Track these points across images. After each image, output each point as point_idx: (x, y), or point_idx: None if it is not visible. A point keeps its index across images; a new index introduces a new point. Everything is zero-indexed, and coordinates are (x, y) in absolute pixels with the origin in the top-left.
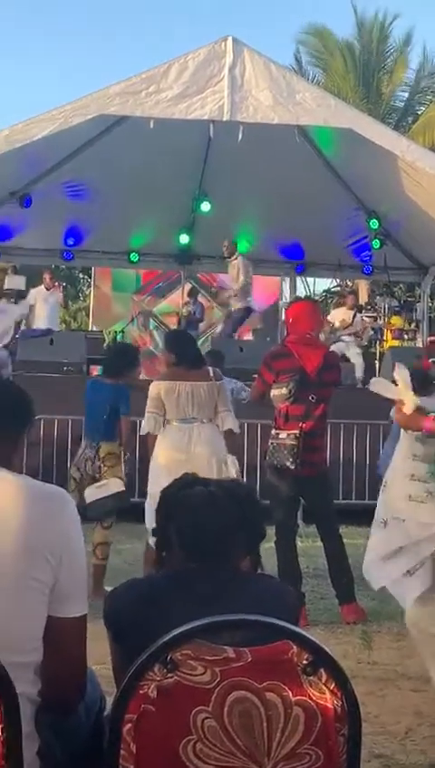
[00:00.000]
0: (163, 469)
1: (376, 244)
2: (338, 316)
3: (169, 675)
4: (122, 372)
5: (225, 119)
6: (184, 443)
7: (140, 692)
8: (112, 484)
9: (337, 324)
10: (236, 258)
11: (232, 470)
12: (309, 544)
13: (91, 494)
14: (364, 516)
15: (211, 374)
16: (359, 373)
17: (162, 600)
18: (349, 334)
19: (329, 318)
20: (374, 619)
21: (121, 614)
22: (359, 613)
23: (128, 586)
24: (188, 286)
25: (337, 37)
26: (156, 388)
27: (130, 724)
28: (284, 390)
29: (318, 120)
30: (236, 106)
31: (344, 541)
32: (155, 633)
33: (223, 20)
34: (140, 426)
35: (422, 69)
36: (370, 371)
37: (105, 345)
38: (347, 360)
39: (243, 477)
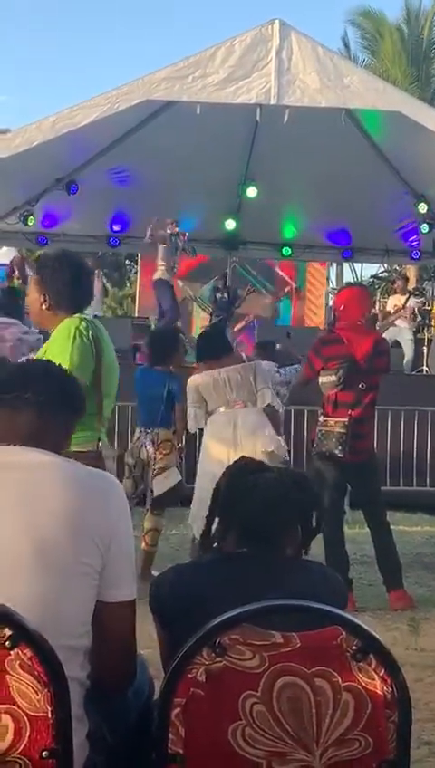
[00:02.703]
0: (211, 457)
1: (425, 228)
2: (392, 303)
3: (218, 659)
4: (167, 358)
5: (272, 102)
6: (230, 429)
7: (189, 676)
8: (174, 475)
9: (391, 309)
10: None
11: (281, 451)
12: (356, 531)
13: (160, 485)
14: (411, 502)
15: (243, 357)
16: (408, 359)
17: (208, 584)
18: (400, 318)
19: (387, 306)
20: (422, 606)
21: (168, 599)
22: (407, 600)
23: (174, 571)
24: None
25: (388, 20)
26: (193, 383)
27: (178, 708)
28: (333, 377)
29: (366, 103)
30: (283, 89)
31: (392, 527)
32: (201, 618)
33: (270, 3)
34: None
35: None
36: (419, 357)
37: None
38: (399, 345)
39: (290, 462)
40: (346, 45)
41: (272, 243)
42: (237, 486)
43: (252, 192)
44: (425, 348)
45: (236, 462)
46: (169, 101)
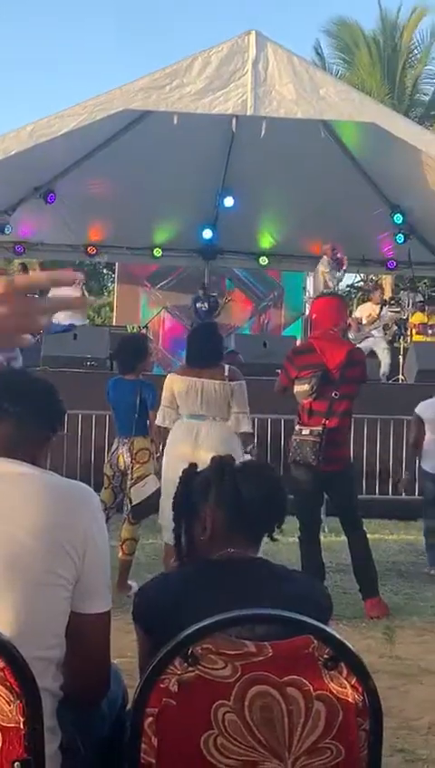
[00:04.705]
0: (170, 463)
1: (400, 238)
2: (365, 312)
3: (190, 669)
4: (136, 366)
5: (248, 113)
6: (191, 439)
7: (161, 686)
8: (151, 482)
9: (365, 320)
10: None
11: None
12: (332, 539)
13: (138, 494)
14: (388, 511)
15: (226, 373)
16: (384, 369)
17: (193, 594)
18: (377, 328)
19: (356, 314)
20: (397, 614)
21: (153, 610)
22: (382, 608)
23: (158, 580)
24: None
25: (363, 30)
26: (169, 382)
27: (151, 718)
28: (306, 386)
29: (342, 114)
30: (259, 100)
31: (368, 535)
32: (185, 627)
33: (244, 12)
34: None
35: None
36: (395, 366)
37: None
38: (375, 355)
39: None
40: (319, 55)
41: (249, 252)
42: (230, 478)
43: (229, 202)
44: (401, 357)
45: (215, 459)
46: (146, 111)
